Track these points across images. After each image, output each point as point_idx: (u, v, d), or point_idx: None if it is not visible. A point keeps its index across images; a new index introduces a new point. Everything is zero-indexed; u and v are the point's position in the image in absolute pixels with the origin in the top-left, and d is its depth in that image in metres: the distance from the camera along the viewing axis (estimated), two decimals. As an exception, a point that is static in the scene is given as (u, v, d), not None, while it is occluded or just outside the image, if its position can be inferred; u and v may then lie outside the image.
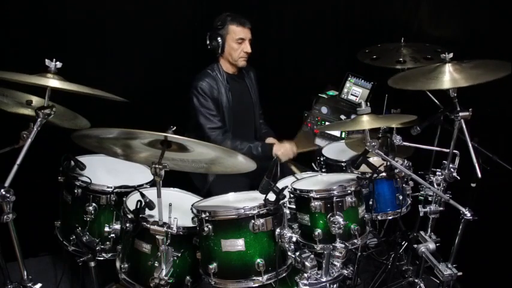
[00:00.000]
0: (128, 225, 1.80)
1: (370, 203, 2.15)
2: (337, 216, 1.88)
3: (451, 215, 1.94)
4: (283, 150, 2.59)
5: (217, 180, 2.59)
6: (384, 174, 2.13)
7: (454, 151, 2.00)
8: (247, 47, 2.65)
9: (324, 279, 1.91)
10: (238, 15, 2.65)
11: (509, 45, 2.36)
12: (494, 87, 1.82)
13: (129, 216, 1.80)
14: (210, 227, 1.71)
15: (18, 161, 1.64)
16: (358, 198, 1.95)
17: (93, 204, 2.01)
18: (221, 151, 1.69)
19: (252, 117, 2.87)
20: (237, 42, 2.63)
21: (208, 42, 2.66)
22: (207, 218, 1.72)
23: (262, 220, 1.71)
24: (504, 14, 2.38)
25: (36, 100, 2.04)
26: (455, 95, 1.87)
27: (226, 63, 2.71)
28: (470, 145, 1.86)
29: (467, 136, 1.86)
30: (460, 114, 1.87)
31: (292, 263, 1.85)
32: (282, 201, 1.76)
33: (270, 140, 2.77)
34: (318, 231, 1.89)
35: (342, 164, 2.52)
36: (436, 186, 2.03)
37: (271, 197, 1.72)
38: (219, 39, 2.62)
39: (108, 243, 2.01)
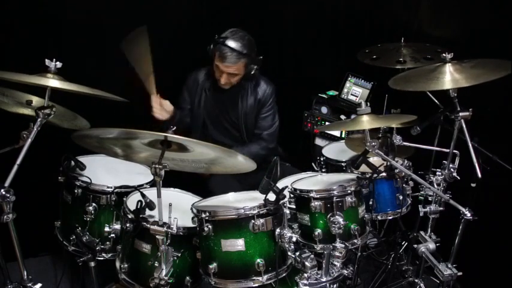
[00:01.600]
0: (128, 225, 1.80)
1: (370, 203, 2.14)
2: (337, 216, 1.88)
3: (451, 215, 1.94)
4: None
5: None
6: (384, 174, 2.14)
7: (454, 151, 1.99)
8: (222, 79, 2.53)
9: (324, 279, 1.91)
10: (227, 47, 2.44)
11: (509, 44, 2.36)
12: (494, 87, 1.82)
13: (130, 216, 1.79)
14: (210, 227, 1.71)
15: (18, 161, 1.64)
16: (358, 198, 1.95)
17: (93, 204, 2.00)
18: (221, 151, 1.69)
19: (233, 130, 2.77)
20: (217, 68, 2.54)
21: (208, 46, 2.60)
22: (207, 218, 1.72)
23: (262, 220, 1.71)
24: (504, 14, 2.38)
25: (36, 100, 2.03)
26: (456, 95, 1.87)
27: None
28: (470, 145, 1.85)
29: (467, 136, 1.86)
30: (460, 114, 1.87)
31: (292, 263, 1.85)
32: (282, 201, 1.76)
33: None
34: (318, 231, 1.89)
35: (342, 164, 2.52)
36: (436, 186, 2.02)
37: (271, 197, 1.72)
38: (210, 53, 2.53)
39: (108, 243, 2.02)
